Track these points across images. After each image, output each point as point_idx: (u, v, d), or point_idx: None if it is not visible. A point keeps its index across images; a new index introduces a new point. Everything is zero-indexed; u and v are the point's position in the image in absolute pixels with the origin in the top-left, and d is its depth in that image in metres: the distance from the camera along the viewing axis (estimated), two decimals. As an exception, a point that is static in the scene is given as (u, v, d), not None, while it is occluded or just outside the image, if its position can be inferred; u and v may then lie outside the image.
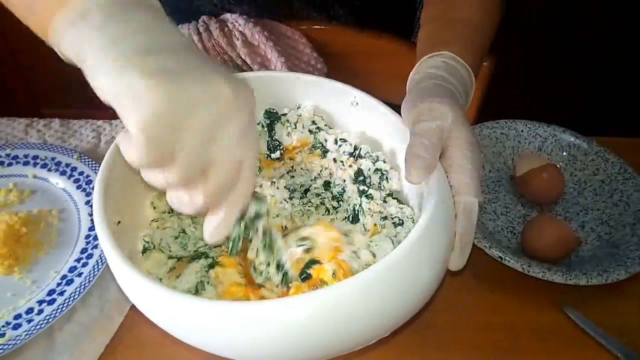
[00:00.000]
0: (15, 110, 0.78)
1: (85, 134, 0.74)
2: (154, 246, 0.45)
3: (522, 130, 0.69)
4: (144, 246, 0.45)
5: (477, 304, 0.55)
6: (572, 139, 0.68)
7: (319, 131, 0.52)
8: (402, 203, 0.47)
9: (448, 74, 0.50)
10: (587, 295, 0.55)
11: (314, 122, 0.53)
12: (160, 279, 0.45)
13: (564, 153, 0.68)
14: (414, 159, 0.40)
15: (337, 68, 0.80)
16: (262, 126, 0.53)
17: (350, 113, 0.53)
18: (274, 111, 0.53)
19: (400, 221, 0.45)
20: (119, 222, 0.44)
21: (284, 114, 0.53)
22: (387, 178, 0.49)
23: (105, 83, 0.30)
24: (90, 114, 0.77)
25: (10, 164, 0.67)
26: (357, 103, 0.52)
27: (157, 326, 0.53)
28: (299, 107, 0.54)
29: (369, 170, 0.49)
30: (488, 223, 0.62)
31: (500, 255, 0.54)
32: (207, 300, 0.35)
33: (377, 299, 0.35)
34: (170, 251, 0.47)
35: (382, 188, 0.48)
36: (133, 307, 0.54)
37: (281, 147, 0.52)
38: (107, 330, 0.52)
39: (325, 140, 0.52)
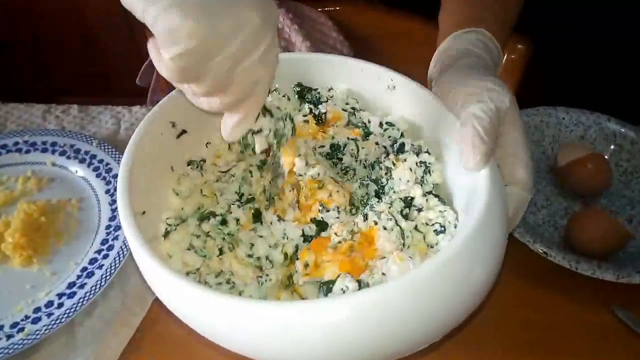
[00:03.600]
0: (31, 98, 0.76)
1: (104, 120, 0.72)
2: (176, 227, 0.43)
3: (564, 118, 0.65)
4: (165, 229, 0.43)
5: (519, 301, 0.52)
6: (618, 128, 0.63)
7: (356, 112, 0.49)
8: (444, 203, 0.43)
9: (486, 53, 0.46)
10: (638, 295, 0.52)
11: (347, 104, 0.50)
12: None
13: (610, 143, 0.64)
14: (477, 142, 0.37)
15: (363, 52, 0.76)
16: (288, 99, 0.49)
17: (387, 97, 0.49)
18: (306, 85, 0.50)
19: (442, 228, 0.41)
20: (144, 212, 0.41)
21: (316, 89, 0.50)
22: (430, 171, 0.45)
23: (146, 9, 0.32)
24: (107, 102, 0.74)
25: (28, 151, 0.65)
26: (394, 87, 0.48)
27: (181, 320, 0.51)
28: (330, 89, 0.50)
29: (416, 164, 0.45)
30: (529, 216, 0.59)
31: (545, 250, 0.50)
32: (235, 298, 0.33)
33: (425, 300, 0.32)
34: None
35: (425, 182, 0.44)
36: (155, 300, 0.52)
37: (319, 113, 0.48)
38: (130, 324, 0.50)
39: (369, 122, 0.49)
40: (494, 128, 0.37)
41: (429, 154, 0.45)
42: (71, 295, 0.50)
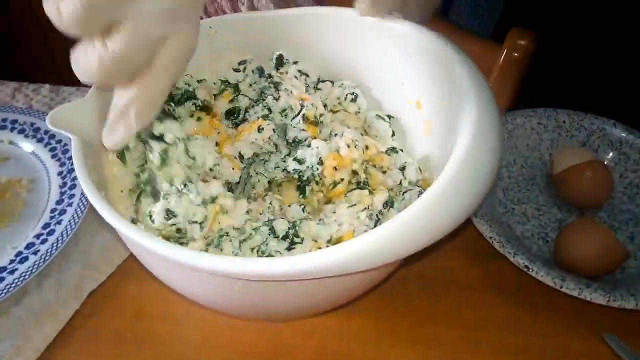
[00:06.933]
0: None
1: (74, 102, 0.68)
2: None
3: (564, 121, 0.59)
4: None
5: (495, 320, 0.46)
6: (624, 135, 0.57)
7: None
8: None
9: None
10: (633, 321, 0.45)
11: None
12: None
13: (614, 151, 0.57)
14: None
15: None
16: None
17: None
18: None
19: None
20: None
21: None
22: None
23: None
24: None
25: (-14, 128, 0.61)
26: None
27: (116, 317, 0.46)
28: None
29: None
30: (516, 226, 0.53)
31: (527, 264, 0.44)
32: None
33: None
34: None
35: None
36: (92, 293, 0.47)
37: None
38: (59, 318, 0.45)
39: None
40: None
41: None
42: (-1, 281, 0.46)
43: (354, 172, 0.39)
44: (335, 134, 0.41)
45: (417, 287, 0.47)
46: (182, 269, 0.32)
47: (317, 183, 0.39)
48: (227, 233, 0.38)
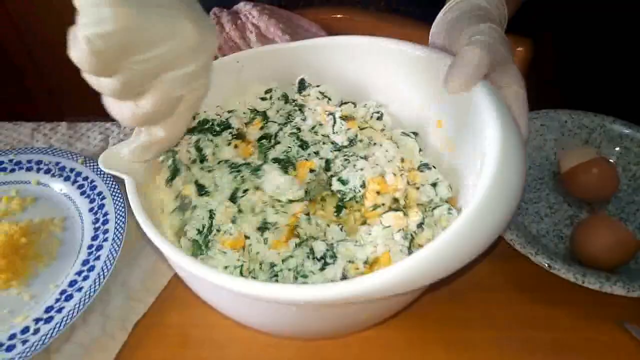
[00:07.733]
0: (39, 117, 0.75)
1: (92, 137, 0.70)
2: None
3: (566, 121, 0.62)
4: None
5: (522, 319, 0.48)
6: (624, 130, 0.60)
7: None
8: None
9: (497, 14, 0.44)
10: (650, 308, 0.48)
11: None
12: None
13: (616, 146, 0.60)
14: (462, 65, 0.37)
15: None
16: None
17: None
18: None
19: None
20: None
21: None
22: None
23: None
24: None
25: (13, 170, 0.63)
26: None
27: (162, 346, 0.48)
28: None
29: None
30: (531, 226, 0.55)
31: (549, 263, 0.47)
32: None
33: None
34: None
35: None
36: (137, 324, 0.50)
37: None
38: (109, 351, 0.47)
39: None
40: (487, 51, 0.36)
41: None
42: (48, 320, 0.48)
43: (395, 199, 0.41)
44: (375, 143, 0.45)
45: (446, 294, 0.50)
46: (240, 299, 0.34)
47: (356, 202, 0.42)
48: (261, 263, 0.41)
